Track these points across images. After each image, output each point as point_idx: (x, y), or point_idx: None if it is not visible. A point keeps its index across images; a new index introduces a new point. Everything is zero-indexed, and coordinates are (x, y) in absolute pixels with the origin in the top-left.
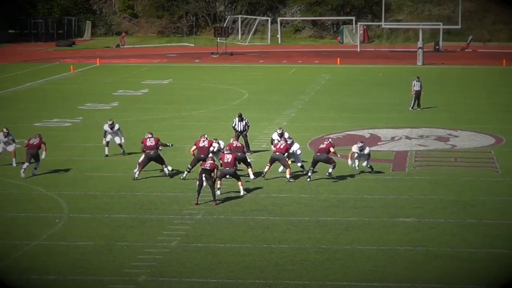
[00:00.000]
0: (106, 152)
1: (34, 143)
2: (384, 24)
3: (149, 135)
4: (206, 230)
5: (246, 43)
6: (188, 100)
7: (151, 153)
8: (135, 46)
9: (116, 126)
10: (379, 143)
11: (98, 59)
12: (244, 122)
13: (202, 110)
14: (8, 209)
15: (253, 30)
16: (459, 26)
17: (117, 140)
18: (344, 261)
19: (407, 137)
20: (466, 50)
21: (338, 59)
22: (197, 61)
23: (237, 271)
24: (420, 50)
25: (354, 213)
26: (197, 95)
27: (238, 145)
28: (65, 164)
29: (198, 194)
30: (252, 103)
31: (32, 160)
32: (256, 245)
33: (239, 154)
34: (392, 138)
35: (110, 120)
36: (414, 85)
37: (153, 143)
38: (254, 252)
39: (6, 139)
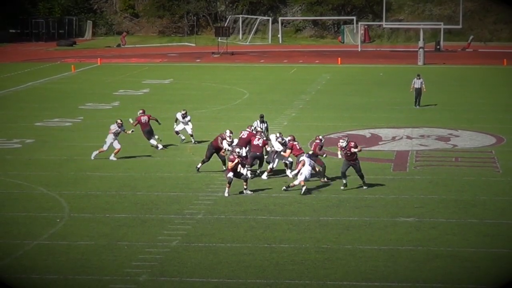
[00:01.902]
0: (183, 137)
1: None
2: (385, 24)
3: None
4: (207, 230)
5: (247, 43)
6: (188, 99)
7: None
8: (136, 45)
9: (188, 117)
10: (380, 143)
11: (99, 58)
12: (265, 124)
13: (202, 110)
14: (9, 208)
15: (254, 29)
16: (460, 26)
17: (189, 130)
18: (345, 261)
19: (408, 137)
20: (467, 49)
21: (339, 58)
22: (198, 60)
23: (238, 270)
24: (421, 49)
25: (355, 212)
26: (197, 94)
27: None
28: (66, 164)
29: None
30: (252, 103)
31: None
32: (257, 245)
33: (257, 153)
34: (393, 138)
35: (184, 110)
36: (415, 83)
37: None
38: (255, 252)
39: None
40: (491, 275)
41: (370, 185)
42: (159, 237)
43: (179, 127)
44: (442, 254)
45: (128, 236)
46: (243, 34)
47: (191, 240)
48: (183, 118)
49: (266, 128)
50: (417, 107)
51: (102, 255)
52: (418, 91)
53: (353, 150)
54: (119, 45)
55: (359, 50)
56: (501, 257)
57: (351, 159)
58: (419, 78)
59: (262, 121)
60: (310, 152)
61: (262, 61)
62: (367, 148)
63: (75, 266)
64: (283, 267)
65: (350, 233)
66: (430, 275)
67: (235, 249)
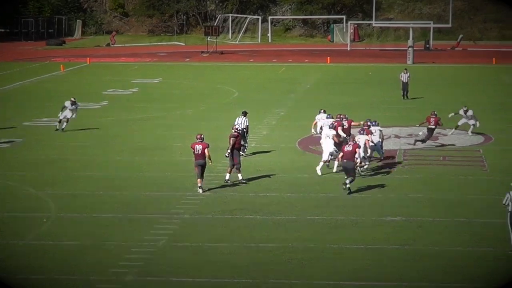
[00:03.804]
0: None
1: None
2: (375, 23)
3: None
4: (194, 230)
5: (237, 42)
6: (178, 99)
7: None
8: (126, 45)
9: (78, 105)
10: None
11: (88, 58)
12: (246, 119)
13: (192, 109)
14: None
15: (243, 29)
16: (449, 25)
17: (68, 115)
18: (331, 260)
19: (396, 136)
20: (456, 48)
21: (329, 58)
22: (187, 60)
23: (224, 270)
24: (410, 48)
25: (342, 212)
26: (187, 94)
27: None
28: (54, 164)
29: None
30: (242, 102)
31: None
32: (243, 244)
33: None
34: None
35: (73, 98)
36: (402, 77)
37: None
38: (242, 251)
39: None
40: (478, 274)
41: (357, 184)
42: (146, 237)
43: (65, 114)
44: (429, 253)
45: (114, 236)
46: (232, 33)
47: (177, 239)
48: (72, 105)
49: (247, 126)
50: (405, 99)
51: (88, 255)
52: (405, 85)
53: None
54: (108, 45)
55: (349, 49)
56: (488, 256)
57: None
58: (406, 72)
59: (244, 115)
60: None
61: (251, 60)
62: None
63: (61, 266)
64: (269, 266)
65: (337, 232)
66: (417, 274)
67: (221, 248)
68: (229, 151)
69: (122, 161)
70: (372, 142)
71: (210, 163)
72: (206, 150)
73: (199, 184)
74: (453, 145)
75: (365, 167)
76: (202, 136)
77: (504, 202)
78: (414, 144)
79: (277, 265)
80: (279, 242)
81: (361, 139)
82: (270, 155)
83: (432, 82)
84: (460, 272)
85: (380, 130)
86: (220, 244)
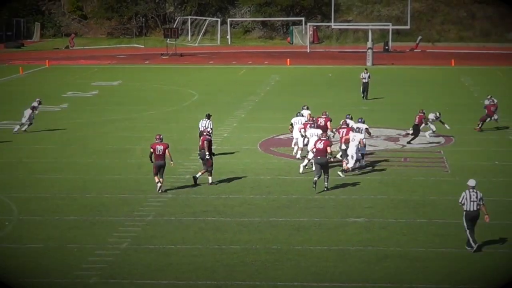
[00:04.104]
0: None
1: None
2: (334, 25)
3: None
4: (157, 232)
5: (196, 44)
6: (138, 101)
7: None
8: (85, 47)
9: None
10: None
11: (47, 60)
12: (210, 122)
13: (152, 112)
14: None
15: (203, 31)
16: (408, 27)
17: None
18: (295, 262)
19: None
20: (415, 50)
21: (288, 60)
22: (146, 62)
23: (188, 272)
24: (369, 50)
25: (305, 213)
26: (147, 96)
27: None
28: (15, 166)
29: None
30: (202, 104)
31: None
32: (207, 246)
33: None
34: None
35: (38, 99)
36: (362, 77)
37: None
38: (205, 253)
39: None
40: (440, 275)
41: (320, 186)
42: (109, 240)
43: (27, 115)
44: (392, 254)
45: (78, 239)
46: (192, 35)
47: (141, 242)
48: (37, 106)
49: (211, 129)
50: (365, 100)
51: (51, 258)
52: (365, 85)
53: None
54: (67, 47)
55: (308, 51)
56: (450, 256)
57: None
58: (366, 73)
59: (207, 118)
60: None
61: (211, 62)
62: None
63: (24, 269)
64: (233, 268)
65: (300, 234)
66: (380, 275)
67: (185, 250)
68: (207, 153)
69: (84, 163)
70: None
71: (171, 164)
72: (167, 151)
73: (158, 184)
74: (414, 146)
75: (360, 164)
76: (161, 136)
77: (460, 201)
78: (410, 142)
79: (241, 267)
80: (243, 244)
81: (356, 138)
82: (231, 157)
83: (392, 83)
84: (424, 273)
85: (367, 128)
86: (183, 246)
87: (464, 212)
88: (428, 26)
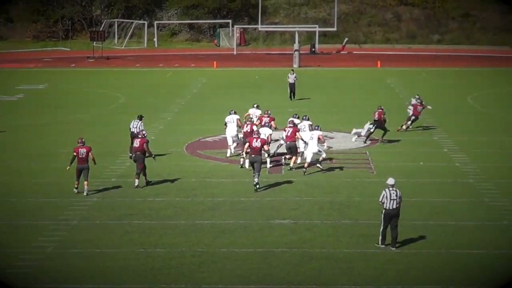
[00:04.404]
0: None
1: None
2: (261, 27)
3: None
4: (82, 236)
5: (123, 47)
6: (64, 104)
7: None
8: (10, 51)
9: None
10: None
11: None
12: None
13: (78, 115)
14: None
15: (129, 34)
16: (335, 29)
17: None
18: (220, 264)
19: (284, 139)
20: (342, 52)
21: (215, 62)
22: (73, 65)
23: (113, 275)
24: (296, 52)
25: (230, 216)
26: (73, 99)
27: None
28: None
29: None
30: (128, 107)
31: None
32: (132, 250)
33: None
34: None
35: None
36: (289, 78)
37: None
38: (131, 257)
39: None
40: (365, 275)
41: (245, 188)
42: (34, 244)
43: None
44: (317, 255)
45: (1, 243)
46: (118, 38)
47: (66, 246)
48: None
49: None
50: (292, 101)
51: None
52: (292, 86)
53: None
54: None
55: (235, 54)
56: (375, 257)
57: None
58: (293, 73)
59: (139, 119)
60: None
61: (137, 65)
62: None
63: None
64: (159, 271)
65: (226, 236)
66: (305, 276)
67: (110, 254)
68: (149, 154)
69: (10, 167)
70: (302, 139)
71: (94, 166)
72: (90, 153)
73: (75, 186)
74: (340, 147)
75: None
76: (83, 139)
77: (380, 200)
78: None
79: (167, 270)
80: (169, 247)
81: (314, 135)
82: (158, 160)
83: (319, 85)
84: (348, 274)
85: (310, 124)
86: (109, 250)
87: (384, 210)
88: (355, 28)
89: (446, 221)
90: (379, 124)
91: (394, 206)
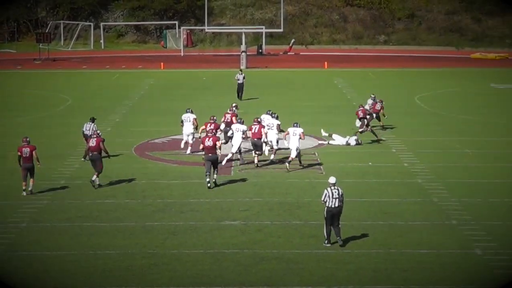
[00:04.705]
0: None
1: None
2: (207, 28)
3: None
4: (32, 238)
5: (69, 49)
6: (11, 107)
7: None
8: None
9: None
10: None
11: None
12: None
13: (25, 117)
14: None
15: (75, 35)
16: (281, 30)
17: None
18: (171, 266)
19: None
20: (288, 53)
21: (162, 63)
22: (19, 67)
23: (63, 278)
24: (243, 53)
25: (180, 217)
26: (19, 102)
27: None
28: None
29: None
30: (76, 109)
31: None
32: (82, 252)
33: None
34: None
35: None
36: (237, 78)
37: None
38: (81, 259)
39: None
40: (316, 276)
41: (195, 190)
42: None
43: None
44: (267, 256)
45: None
46: (64, 40)
47: (15, 248)
48: None
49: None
50: (239, 100)
51: None
52: (240, 86)
53: None
54: None
55: (182, 55)
56: (326, 257)
57: None
58: (241, 74)
59: (92, 121)
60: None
61: (84, 67)
62: (189, 153)
63: None
64: (110, 273)
65: (176, 237)
66: (255, 277)
67: (60, 257)
68: (105, 153)
69: None
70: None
71: (38, 165)
72: (34, 152)
73: (23, 187)
74: (288, 148)
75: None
76: (28, 139)
77: (322, 198)
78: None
79: (117, 272)
80: (119, 249)
81: (297, 132)
82: (106, 162)
83: (266, 86)
84: (299, 274)
85: (279, 124)
86: (59, 252)
87: (326, 209)
88: (301, 29)
89: (396, 221)
90: (363, 121)
91: (336, 205)
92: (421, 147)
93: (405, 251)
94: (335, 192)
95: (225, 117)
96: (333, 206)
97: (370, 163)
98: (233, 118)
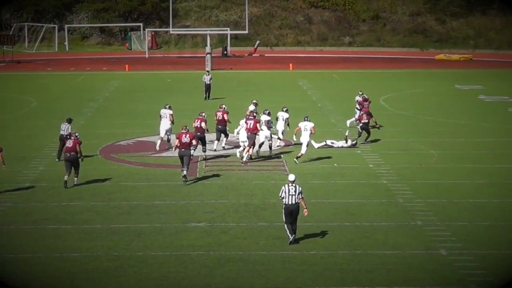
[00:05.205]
0: None
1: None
2: (172, 30)
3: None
4: None
5: (33, 51)
6: None
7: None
8: None
9: None
10: (170, 149)
11: None
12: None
13: None
14: None
15: (40, 37)
16: (246, 31)
17: None
18: (137, 268)
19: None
20: (253, 54)
21: (127, 65)
22: None
23: (29, 281)
24: (208, 55)
25: (146, 219)
26: None
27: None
28: None
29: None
30: (41, 112)
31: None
32: (48, 255)
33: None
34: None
35: None
36: (205, 79)
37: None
38: (46, 262)
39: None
40: (282, 277)
41: (160, 191)
42: None
43: None
44: (233, 258)
45: None
46: (29, 42)
47: None
48: None
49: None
50: (207, 100)
51: None
52: (208, 87)
53: None
54: None
55: (147, 57)
56: (291, 258)
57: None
58: (208, 74)
59: (68, 122)
60: None
61: (49, 69)
62: (157, 154)
63: None
64: (76, 276)
65: (142, 240)
66: (221, 279)
67: (26, 259)
68: (80, 155)
69: None
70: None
71: (4, 168)
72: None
73: None
74: (254, 150)
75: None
76: None
77: (280, 195)
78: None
79: (83, 274)
80: (85, 251)
81: (308, 126)
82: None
83: (231, 87)
84: (265, 276)
85: (268, 121)
86: (24, 255)
87: (284, 206)
88: (266, 31)
89: (361, 222)
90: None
91: (293, 201)
92: (386, 148)
93: (370, 252)
94: (292, 189)
95: (216, 115)
96: (290, 203)
97: (335, 165)
98: (225, 115)
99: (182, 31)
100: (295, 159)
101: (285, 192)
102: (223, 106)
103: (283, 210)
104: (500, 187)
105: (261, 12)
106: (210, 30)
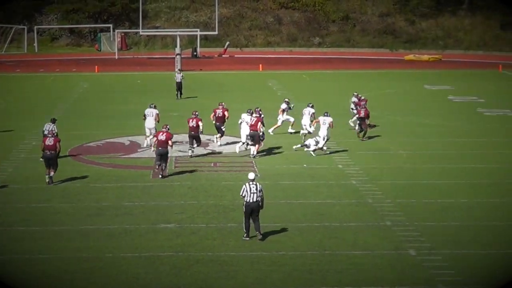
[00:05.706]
0: None
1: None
2: (142, 31)
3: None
4: None
5: (2, 52)
6: None
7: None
8: None
9: None
10: (139, 150)
11: None
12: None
13: None
14: None
15: (9, 39)
16: (216, 32)
17: None
18: (106, 270)
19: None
20: (223, 55)
21: (96, 66)
22: None
23: None
24: (178, 56)
25: (115, 221)
26: None
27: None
28: None
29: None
30: (9, 113)
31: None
32: (15, 257)
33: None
34: (152, 145)
35: None
36: (176, 77)
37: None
38: (14, 264)
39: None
40: (251, 278)
41: (129, 193)
42: None
43: None
44: (202, 259)
45: None
46: None
47: None
48: None
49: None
50: (179, 99)
51: None
52: (179, 85)
53: None
54: None
55: (116, 58)
56: (260, 259)
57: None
58: (180, 73)
59: (52, 122)
60: None
61: (18, 70)
62: (126, 156)
63: None
64: (44, 278)
65: (111, 241)
66: (191, 280)
67: None
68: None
69: None
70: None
71: None
72: None
73: None
74: (221, 152)
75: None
76: None
77: (241, 193)
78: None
79: (52, 277)
80: (52, 253)
81: (326, 121)
82: (40, 165)
83: (201, 88)
84: (234, 277)
85: (313, 113)
86: None
87: (245, 204)
88: (236, 32)
89: (331, 223)
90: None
91: (254, 199)
92: (355, 148)
93: (339, 252)
94: (253, 187)
95: (215, 112)
96: (251, 201)
97: (305, 165)
98: (226, 112)
99: (152, 32)
100: (311, 152)
101: (246, 191)
102: (223, 103)
103: (243, 208)
104: (469, 187)
105: (231, 13)
106: (180, 31)
